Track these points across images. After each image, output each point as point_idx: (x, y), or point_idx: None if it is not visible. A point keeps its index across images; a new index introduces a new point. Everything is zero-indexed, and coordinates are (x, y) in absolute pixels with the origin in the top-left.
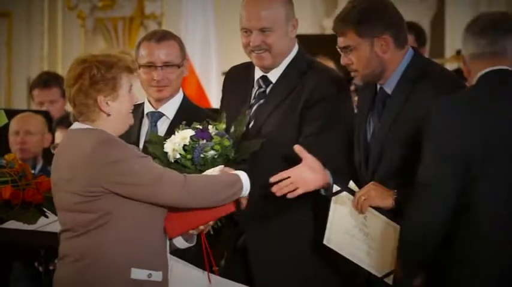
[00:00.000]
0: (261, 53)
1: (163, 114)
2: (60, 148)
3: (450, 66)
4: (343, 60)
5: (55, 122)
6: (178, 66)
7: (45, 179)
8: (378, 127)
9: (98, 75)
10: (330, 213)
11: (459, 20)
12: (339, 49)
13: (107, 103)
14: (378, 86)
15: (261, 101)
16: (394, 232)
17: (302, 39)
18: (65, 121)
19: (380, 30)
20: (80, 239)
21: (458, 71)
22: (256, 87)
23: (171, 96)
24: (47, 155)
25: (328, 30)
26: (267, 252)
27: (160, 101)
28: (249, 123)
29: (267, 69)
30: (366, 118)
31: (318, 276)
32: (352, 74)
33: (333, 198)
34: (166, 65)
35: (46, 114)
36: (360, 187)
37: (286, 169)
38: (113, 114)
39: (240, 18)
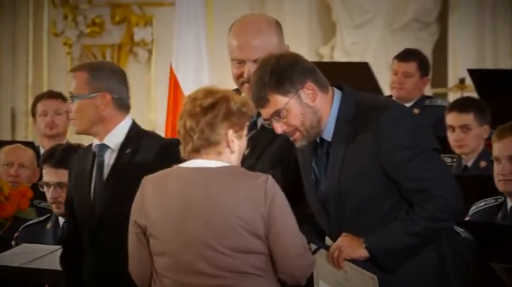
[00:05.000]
0: None
1: (109, 147)
2: (194, 190)
3: (454, 95)
4: (279, 130)
5: (41, 159)
6: (83, 97)
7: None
8: (329, 177)
9: (234, 107)
10: (314, 274)
11: (462, 47)
12: (267, 122)
13: (232, 140)
14: (318, 139)
15: (253, 131)
16: (372, 282)
17: None
18: (52, 159)
19: (301, 80)
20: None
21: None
22: None
23: (95, 129)
24: (34, 189)
25: (326, 57)
26: None
27: (85, 134)
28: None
29: None
30: (309, 170)
31: None
32: (293, 138)
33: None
34: (71, 97)
35: (33, 147)
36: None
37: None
38: (236, 152)
39: (230, 48)
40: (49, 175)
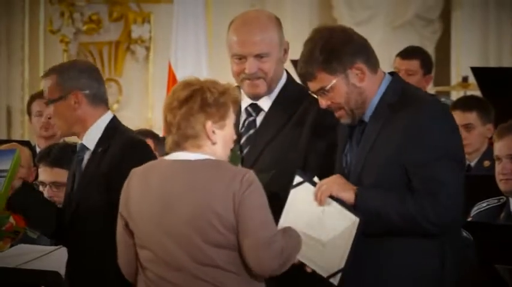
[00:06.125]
0: (256, 80)
1: (87, 147)
2: (174, 184)
3: (457, 94)
4: (323, 104)
5: (37, 158)
6: (55, 100)
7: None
8: (356, 154)
9: (211, 99)
10: (285, 209)
11: (465, 45)
12: (313, 93)
13: (213, 131)
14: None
15: (252, 130)
16: (352, 225)
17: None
18: (47, 158)
19: (351, 60)
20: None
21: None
22: (244, 115)
23: (69, 130)
24: None
25: None
26: None
27: (68, 135)
28: (240, 152)
29: (258, 97)
30: (343, 147)
31: None
32: (337, 114)
33: (292, 192)
34: (46, 102)
35: (29, 146)
36: None
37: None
38: (218, 143)
39: (230, 44)
40: (45, 174)
